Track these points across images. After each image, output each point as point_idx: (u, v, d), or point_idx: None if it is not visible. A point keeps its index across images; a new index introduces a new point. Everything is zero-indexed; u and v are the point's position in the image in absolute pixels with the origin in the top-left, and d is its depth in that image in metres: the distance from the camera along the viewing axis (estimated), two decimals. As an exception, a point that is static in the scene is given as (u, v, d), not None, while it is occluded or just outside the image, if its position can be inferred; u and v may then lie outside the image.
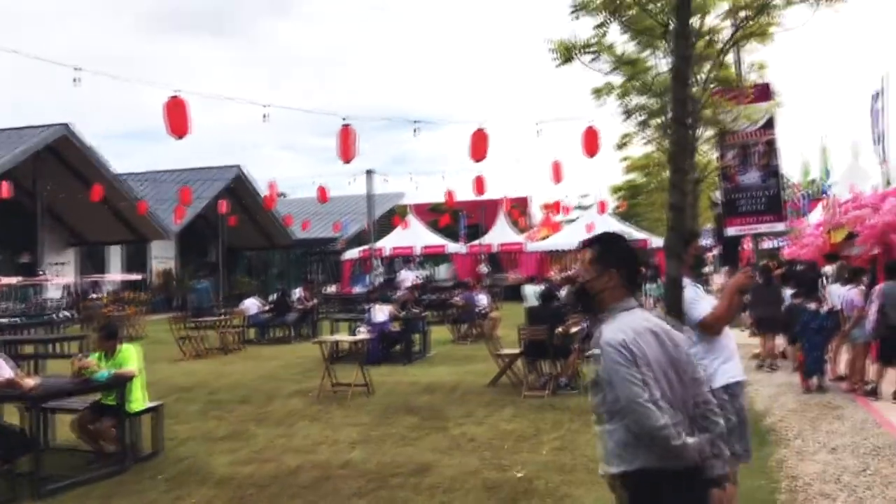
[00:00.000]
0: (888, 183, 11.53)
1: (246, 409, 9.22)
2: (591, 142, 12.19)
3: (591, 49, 8.36)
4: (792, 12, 7.14)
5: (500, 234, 33.28)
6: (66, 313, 22.28)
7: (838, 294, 10.08)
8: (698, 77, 9.23)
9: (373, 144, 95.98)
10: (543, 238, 33.38)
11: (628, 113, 11.27)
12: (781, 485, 5.58)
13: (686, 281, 4.17)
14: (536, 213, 42.06)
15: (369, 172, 25.35)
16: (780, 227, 12.07)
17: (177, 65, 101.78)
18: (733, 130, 11.32)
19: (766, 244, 20.67)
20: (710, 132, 11.82)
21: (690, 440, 2.52)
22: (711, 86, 9.76)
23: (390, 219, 35.43)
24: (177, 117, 9.74)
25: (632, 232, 30.37)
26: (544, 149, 54.98)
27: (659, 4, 7.45)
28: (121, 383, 6.59)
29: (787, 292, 10.91)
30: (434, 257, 36.55)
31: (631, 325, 2.60)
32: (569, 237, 31.01)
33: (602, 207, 29.80)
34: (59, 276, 26.87)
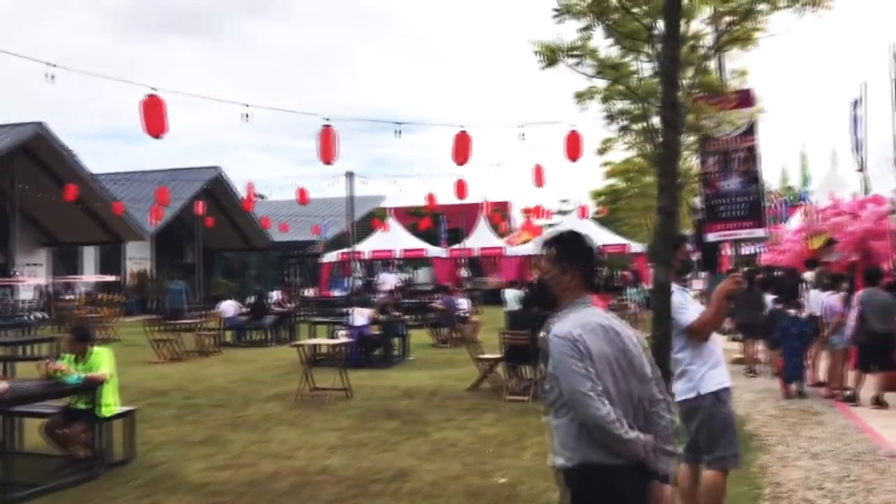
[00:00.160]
0: (867, 190, 11.63)
1: (222, 413, 9.05)
2: (573, 146, 12.17)
3: (576, 52, 8.33)
4: (776, 18, 7.14)
5: (481, 238, 33.24)
6: (39, 315, 21.90)
7: (818, 300, 10.13)
8: (682, 82, 9.20)
9: (353, 147, 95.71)
10: (524, 242, 33.38)
11: (611, 117, 11.21)
12: (765, 491, 5.54)
13: (674, 286, 4.13)
14: (517, 218, 42.12)
15: (350, 174, 25.13)
16: (760, 233, 12.11)
17: (153, 65, 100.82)
18: (715, 136, 11.33)
19: (745, 250, 20.79)
20: (691, 138, 11.84)
21: (636, 435, 2.53)
22: (694, 91, 9.75)
23: (370, 222, 35.25)
24: (154, 116, 9.55)
25: (611, 237, 30.48)
26: (526, 153, 55.15)
27: (644, 8, 7.43)
28: (92, 387, 6.41)
29: (769, 298, 10.95)
30: (414, 261, 36.45)
31: (581, 321, 2.63)
32: (549, 242, 30.95)
33: (583, 212, 29.87)
34: (31, 277, 26.42)
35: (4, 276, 23.82)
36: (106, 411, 6.59)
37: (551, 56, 8.13)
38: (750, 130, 13.20)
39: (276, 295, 20.77)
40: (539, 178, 16.83)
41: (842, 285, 9.90)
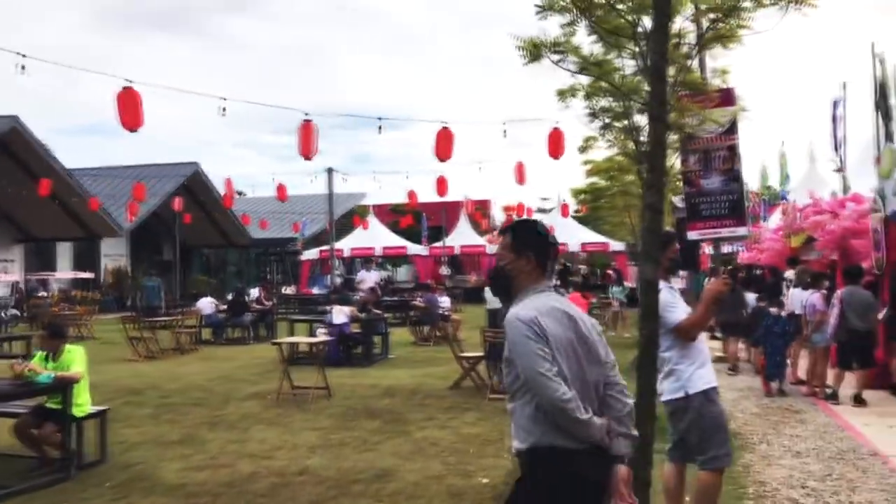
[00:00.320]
0: (847, 189, 11.69)
1: (199, 412, 8.89)
2: (556, 143, 12.12)
3: (559, 48, 8.27)
4: (760, 15, 7.12)
5: (462, 236, 33.17)
6: (12, 312, 21.53)
7: (799, 298, 10.16)
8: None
9: (333, 143, 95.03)
10: (505, 240, 33.33)
11: (594, 115, 11.16)
12: (749, 490, 5.52)
13: (662, 284, 4.08)
14: (498, 216, 42.12)
15: (330, 171, 24.95)
16: (741, 231, 12.07)
17: (133, 61, 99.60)
18: (698, 135, 11.31)
19: (724, 248, 20.91)
20: (674, 136, 11.82)
21: (590, 418, 2.55)
22: (677, 89, 9.71)
23: (350, 219, 35.06)
24: (130, 109, 9.35)
25: (593, 235, 30.56)
26: (507, 151, 55.17)
27: (629, 4, 7.38)
28: (64, 387, 6.25)
29: (751, 296, 10.97)
30: (394, 259, 36.30)
31: (539, 305, 2.66)
32: (530, 240, 30.96)
33: (565, 210, 29.90)
34: (5, 274, 25.97)
35: (-23, 272, 23.38)
36: (78, 411, 6.43)
37: (534, 51, 8.06)
38: (731, 129, 13.16)
39: (255, 292, 20.56)
40: (521, 175, 16.79)
41: (823, 283, 9.94)
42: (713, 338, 13.35)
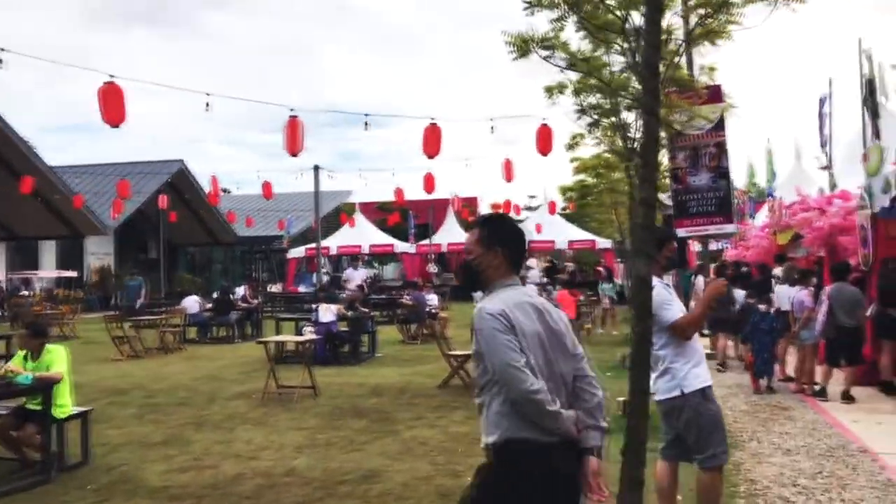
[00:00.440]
0: (834, 186, 11.70)
1: (184, 412, 8.77)
2: (544, 140, 12.06)
3: (548, 44, 8.20)
4: (749, 11, 7.08)
5: (450, 234, 33.06)
6: (-5, 311, 21.26)
7: (787, 295, 10.15)
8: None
9: (320, 141, 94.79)
10: (492, 238, 33.27)
11: (582, 111, 11.14)
12: (740, 489, 5.47)
13: (656, 281, 4.04)
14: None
15: (317, 168, 24.80)
16: (729, 228, 12.11)
17: (117, 56, 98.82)
18: (686, 132, 11.30)
19: (712, 246, 20.96)
20: (662, 133, 11.79)
21: (559, 410, 2.56)
22: (666, 85, 9.69)
23: (337, 217, 34.88)
24: (112, 105, 9.20)
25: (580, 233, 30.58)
26: (494, 148, 55.13)
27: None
28: (45, 387, 6.12)
29: (739, 293, 10.96)
30: (381, 256, 36.16)
31: (509, 298, 2.67)
32: (517, 237, 30.89)
33: (552, 208, 29.89)
34: (-13, 273, 25.64)
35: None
36: (60, 412, 6.31)
37: (523, 47, 7.99)
38: (719, 126, 13.19)
39: (241, 290, 20.40)
40: (508, 172, 16.73)
41: (811, 280, 9.94)
42: (701, 335, 13.35)
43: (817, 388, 9.05)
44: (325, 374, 10.96)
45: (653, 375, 4.15)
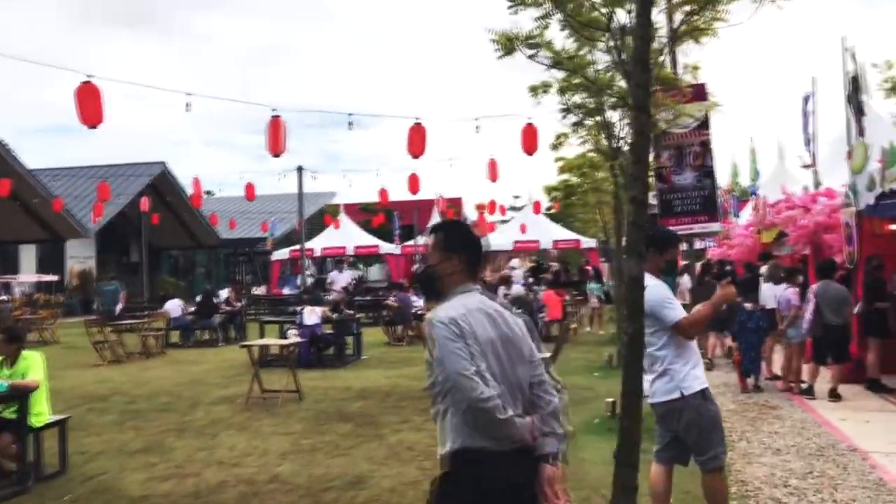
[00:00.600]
0: (818, 184, 11.71)
1: (166, 418, 8.61)
2: (530, 139, 11.99)
3: (533, 41, 8.12)
4: (734, 8, 7.03)
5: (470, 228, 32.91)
6: (-27, 316, 20.87)
7: (772, 294, 10.13)
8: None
9: (303, 142, 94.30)
10: (477, 238, 33.19)
11: (567, 110, 11.07)
12: (732, 490, 5.39)
13: (657, 281, 4.02)
14: (470, 214, 41.95)
15: (300, 169, 24.62)
16: (714, 227, 12.10)
17: (96, 60, 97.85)
18: (671, 130, 11.27)
19: (696, 245, 20.97)
20: (648, 131, 11.75)
21: (514, 417, 2.53)
22: (651, 84, 9.63)
23: (321, 218, 34.64)
24: (89, 105, 9.02)
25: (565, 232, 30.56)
26: (479, 149, 55.12)
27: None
28: (20, 395, 5.95)
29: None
30: (366, 258, 35.97)
31: (464, 305, 2.65)
32: (503, 238, 30.95)
33: (537, 208, 29.86)
34: (-35, 278, 25.22)
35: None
36: (37, 420, 6.14)
37: (508, 45, 7.91)
38: (703, 125, 13.19)
39: (225, 293, 20.18)
40: (493, 172, 16.65)
41: (797, 278, 9.93)
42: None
43: (804, 386, 9.04)
44: (310, 377, 10.82)
45: (648, 377, 4.08)
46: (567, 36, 8.60)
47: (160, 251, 36.10)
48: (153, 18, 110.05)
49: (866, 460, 6.14)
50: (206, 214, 33.88)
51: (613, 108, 10.19)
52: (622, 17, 7.50)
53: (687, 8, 7.10)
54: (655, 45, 8.81)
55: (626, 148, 10.75)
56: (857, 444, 6.61)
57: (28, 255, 30.74)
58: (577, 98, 11.06)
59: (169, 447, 7.19)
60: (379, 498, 5.47)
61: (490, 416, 2.48)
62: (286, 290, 27.06)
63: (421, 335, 13.49)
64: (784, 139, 43.21)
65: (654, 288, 4.12)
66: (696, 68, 11.62)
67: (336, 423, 8.10)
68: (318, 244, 31.88)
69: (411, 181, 19.22)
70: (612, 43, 8.02)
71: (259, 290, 28.92)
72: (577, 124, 11.56)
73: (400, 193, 24.21)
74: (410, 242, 32.75)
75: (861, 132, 9.72)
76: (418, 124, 11.86)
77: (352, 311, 15.04)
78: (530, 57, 8.46)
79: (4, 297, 24.89)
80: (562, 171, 19.28)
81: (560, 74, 9.53)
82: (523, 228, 29.88)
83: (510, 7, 7.71)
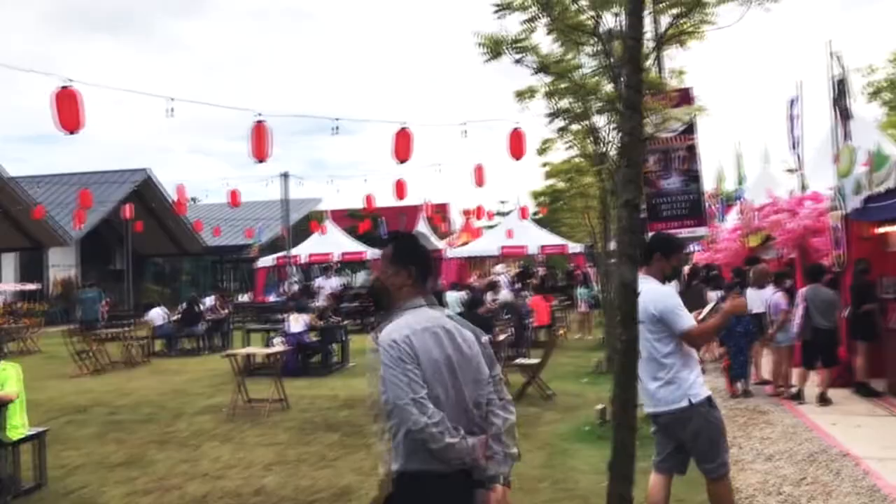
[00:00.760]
0: (805, 187, 11.72)
1: (148, 429, 8.44)
2: (516, 144, 11.92)
3: (519, 45, 8.05)
4: (721, 11, 7.00)
5: (421, 240, 32.83)
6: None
7: (756, 298, 10.07)
8: (622, 81, 9.06)
9: (289, 148, 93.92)
10: (464, 244, 33.17)
11: (553, 115, 11.02)
12: (724, 498, 5.32)
13: (666, 287, 4.09)
14: (457, 219, 41.90)
15: (285, 175, 24.47)
16: (701, 231, 12.06)
17: (78, 66, 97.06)
18: (658, 135, 11.24)
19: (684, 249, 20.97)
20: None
21: (458, 441, 2.49)
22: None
23: (306, 225, 34.43)
24: (68, 110, 8.85)
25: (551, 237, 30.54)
26: (465, 154, 55.07)
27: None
28: (-3, 408, 5.79)
29: (712, 295, 10.88)
30: (353, 264, 35.80)
31: (410, 324, 2.61)
32: (489, 243, 30.89)
33: (524, 213, 29.85)
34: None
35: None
36: (13, 434, 5.97)
37: (495, 48, 7.84)
38: (690, 129, 13.18)
39: (209, 301, 19.96)
40: (480, 177, 16.59)
41: (785, 282, 9.91)
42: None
43: (794, 390, 9.00)
44: (296, 385, 10.67)
45: (653, 385, 4.00)
46: (554, 40, 8.59)
47: (144, 259, 35.76)
48: (134, 25, 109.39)
49: (859, 466, 6.08)
50: (190, 221, 33.62)
51: (600, 112, 10.15)
52: (609, 20, 7.49)
53: (675, 11, 7.08)
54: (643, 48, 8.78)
55: (612, 153, 10.71)
56: (849, 450, 6.56)
57: (8, 264, 30.32)
58: (564, 103, 11.01)
59: (151, 460, 7.03)
60: (366, 510, 5.35)
61: (435, 441, 2.46)
62: (272, 297, 26.86)
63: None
64: (769, 143, 43.46)
65: (665, 294, 4.07)
66: (681, 73, 11.62)
67: (322, 432, 7.97)
68: (304, 251, 31.70)
69: (398, 187, 19.13)
70: (599, 47, 8.00)
71: (245, 298, 28.69)
72: (563, 129, 11.53)
73: (386, 199, 24.14)
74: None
75: (847, 135, 9.74)
76: (404, 129, 11.76)
77: (338, 318, 14.90)
78: (517, 61, 8.43)
79: (-16, 307, 24.52)
80: (548, 176, 19.28)
81: (547, 79, 9.51)
82: (510, 233, 29.83)
83: (496, 11, 7.67)
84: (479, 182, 16.67)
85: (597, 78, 9.25)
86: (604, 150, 10.25)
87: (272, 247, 34.55)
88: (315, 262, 32.25)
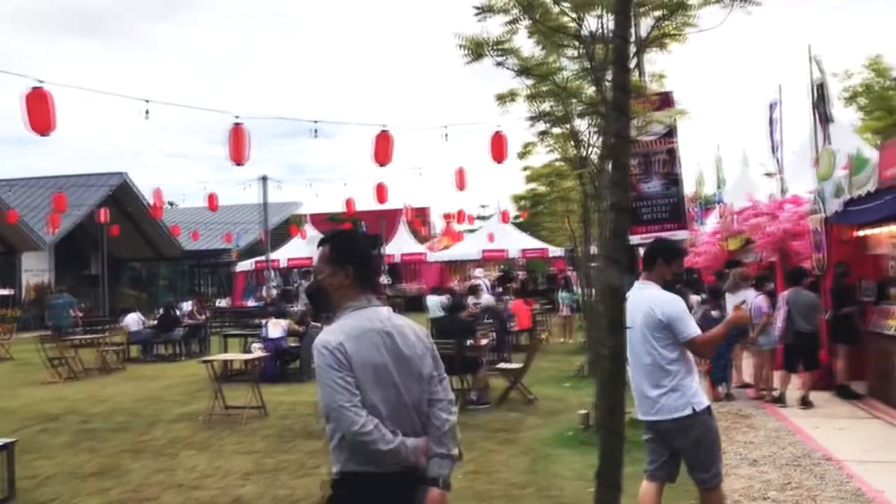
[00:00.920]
0: (784, 191, 11.78)
1: (123, 438, 8.25)
2: (498, 147, 11.87)
3: (501, 47, 7.99)
4: (705, 13, 6.99)
5: (401, 245, 32.75)
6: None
7: (735, 302, 10.06)
8: (604, 84, 9.03)
9: (267, 152, 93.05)
10: (445, 248, 33.10)
11: (535, 119, 10.98)
12: (710, 504, 5.27)
13: (671, 294, 4.04)
14: (437, 223, 41.83)
15: (264, 179, 24.27)
16: (682, 234, 12.06)
17: (53, 69, 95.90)
18: (639, 138, 11.23)
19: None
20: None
21: (394, 446, 2.47)
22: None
23: (286, 229, 34.22)
24: (39, 111, 8.65)
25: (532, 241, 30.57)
26: (445, 158, 55.07)
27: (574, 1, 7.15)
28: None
29: (694, 298, 10.88)
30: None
31: (349, 326, 2.58)
32: (470, 247, 30.82)
33: (504, 217, 29.84)
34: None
35: None
36: (-19, 444, 5.79)
37: (477, 50, 7.77)
38: (670, 133, 13.19)
39: (187, 306, 19.69)
40: (461, 181, 16.53)
41: (766, 286, 9.92)
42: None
43: (776, 394, 9.00)
44: (275, 392, 10.51)
45: (654, 392, 3.94)
46: (535, 43, 8.54)
47: (120, 263, 35.29)
48: (109, 27, 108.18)
49: (842, 469, 6.07)
50: (167, 225, 33.25)
51: (581, 115, 10.12)
52: (592, 23, 7.45)
53: (657, 13, 7.06)
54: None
55: (593, 156, 10.69)
56: (832, 453, 6.55)
57: (-20, 269, 29.79)
58: (546, 106, 10.98)
59: (125, 469, 6.85)
60: (347, 520, 5.22)
61: (370, 447, 2.45)
62: (250, 302, 26.61)
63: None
64: (747, 147, 43.87)
65: (672, 300, 4.03)
66: (661, 76, 11.64)
67: (301, 440, 7.83)
68: (283, 255, 31.46)
69: (378, 190, 19.03)
70: (581, 50, 7.96)
71: (223, 303, 28.41)
72: (545, 133, 11.50)
73: (366, 203, 23.99)
74: (376, 252, 32.44)
75: (827, 139, 9.78)
76: (385, 132, 11.67)
77: (318, 324, 14.73)
78: (499, 63, 8.37)
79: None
80: (529, 179, 19.27)
81: (528, 82, 9.46)
82: (491, 237, 29.82)
83: (477, 14, 7.60)
84: (461, 185, 16.62)
85: (579, 81, 9.23)
86: (585, 153, 10.22)
87: (251, 251, 34.27)
88: (294, 267, 32.03)
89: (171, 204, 41.43)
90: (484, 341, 9.92)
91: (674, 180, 13.46)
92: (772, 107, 12.55)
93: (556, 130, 11.26)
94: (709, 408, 4.04)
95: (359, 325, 2.58)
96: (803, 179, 11.00)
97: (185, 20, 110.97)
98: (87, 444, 8.00)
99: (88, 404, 10.51)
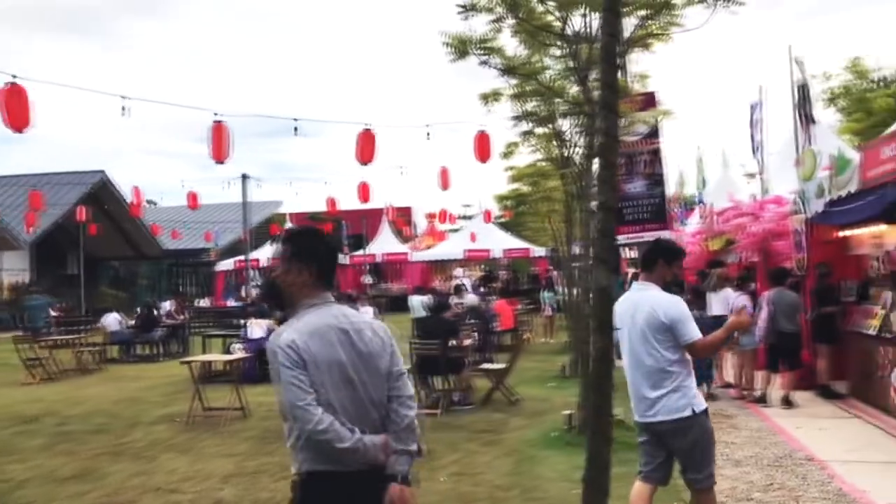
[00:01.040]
0: (766, 191, 11.83)
1: (101, 440, 8.11)
2: (483, 147, 11.82)
3: (485, 46, 7.95)
4: (689, 13, 7.00)
5: (384, 244, 32.65)
6: None
7: (717, 301, 10.08)
8: (589, 83, 9.02)
9: (248, 150, 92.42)
10: (428, 248, 33.04)
11: (520, 118, 10.94)
12: (694, 506, 5.25)
13: (672, 295, 4.01)
14: (420, 223, 41.74)
15: (245, 177, 24.06)
16: (665, 235, 12.10)
17: (30, 65, 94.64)
18: (625, 138, 11.25)
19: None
20: (599, 140, 11.68)
21: (352, 444, 2.45)
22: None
23: (267, 228, 33.97)
24: (16, 108, 8.49)
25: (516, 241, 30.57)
26: (428, 157, 54.93)
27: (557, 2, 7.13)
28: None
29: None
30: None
31: (308, 324, 2.55)
32: (453, 247, 30.77)
33: (488, 216, 29.82)
34: None
35: None
36: (-46, 448, 5.65)
37: (462, 48, 7.73)
38: (654, 133, 13.23)
39: (167, 305, 19.49)
40: (445, 180, 16.47)
41: (749, 286, 9.95)
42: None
43: (758, 394, 9.03)
44: (256, 392, 10.36)
45: (654, 394, 3.91)
46: (520, 41, 8.51)
47: (100, 262, 34.91)
48: (89, 23, 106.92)
49: (824, 470, 6.08)
50: (147, 224, 32.91)
51: (565, 115, 10.10)
52: (577, 23, 7.43)
53: (642, 13, 7.05)
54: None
55: (577, 156, 10.66)
56: (814, 454, 6.56)
57: (-45, 269, 29.35)
58: (530, 106, 10.94)
59: (103, 472, 6.72)
60: (329, 523, 5.15)
61: (329, 446, 2.44)
62: (231, 302, 26.41)
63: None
64: (729, 149, 44.17)
65: (674, 303, 4.01)
66: (644, 77, 11.66)
67: (282, 442, 7.65)
68: (264, 254, 31.22)
69: (361, 189, 18.92)
70: (566, 49, 7.93)
71: (204, 302, 28.17)
72: (528, 133, 11.47)
73: (348, 202, 23.88)
74: (359, 252, 32.37)
75: (809, 140, 9.83)
76: (367, 131, 11.57)
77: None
78: (483, 62, 8.33)
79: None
80: (513, 179, 19.26)
81: (512, 81, 9.43)
82: (473, 237, 29.80)
83: (461, 12, 7.55)
84: (445, 185, 16.57)
85: (563, 81, 9.21)
86: (568, 153, 10.20)
87: (232, 250, 34.00)
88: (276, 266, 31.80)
89: (150, 202, 41.02)
90: (468, 341, 9.88)
91: (657, 180, 13.52)
92: (753, 108, 12.60)
93: (540, 130, 11.24)
94: (706, 410, 4.04)
95: (316, 322, 2.56)
96: (785, 180, 11.05)
97: (164, 16, 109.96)
98: (65, 446, 7.86)
99: (66, 406, 10.35)
